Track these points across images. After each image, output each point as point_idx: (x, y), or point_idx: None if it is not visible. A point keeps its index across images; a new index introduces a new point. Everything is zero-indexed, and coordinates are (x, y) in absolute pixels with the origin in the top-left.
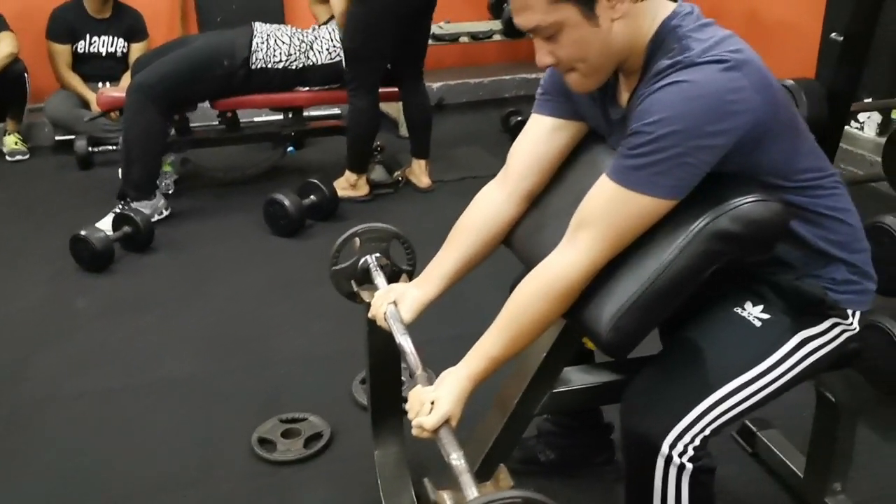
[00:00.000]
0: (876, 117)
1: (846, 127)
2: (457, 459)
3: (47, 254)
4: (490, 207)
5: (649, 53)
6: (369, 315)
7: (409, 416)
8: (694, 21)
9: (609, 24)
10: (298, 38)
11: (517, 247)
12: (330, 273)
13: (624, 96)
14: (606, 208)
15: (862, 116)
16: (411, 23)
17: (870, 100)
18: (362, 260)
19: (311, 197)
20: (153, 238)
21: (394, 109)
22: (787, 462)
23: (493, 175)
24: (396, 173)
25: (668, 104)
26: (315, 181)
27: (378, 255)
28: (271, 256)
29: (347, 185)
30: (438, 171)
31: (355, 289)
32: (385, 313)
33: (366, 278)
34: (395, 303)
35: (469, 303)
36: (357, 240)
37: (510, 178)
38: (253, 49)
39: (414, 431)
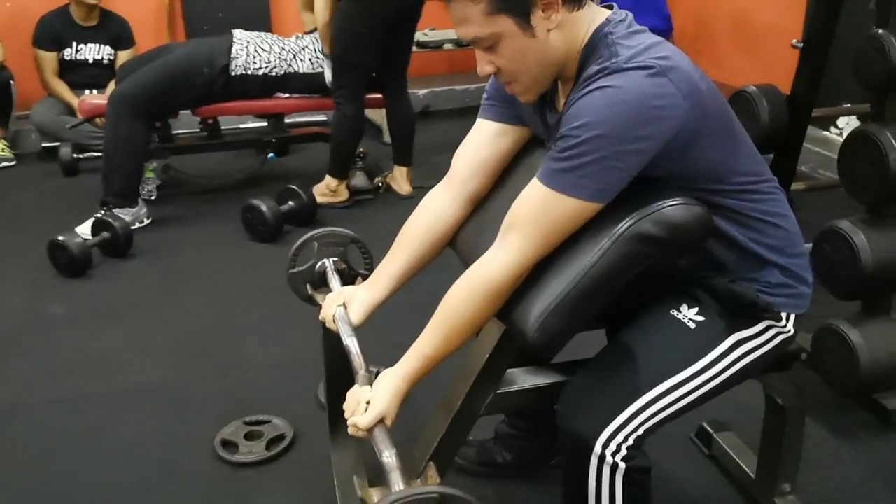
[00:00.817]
0: (855, 123)
1: (826, 133)
2: (388, 457)
3: (26, 260)
4: (434, 211)
5: (582, 60)
6: (320, 318)
7: (346, 415)
8: (625, 28)
9: (545, 35)
10: (280, 47)
11: (460, 249)
12: (287, 277)
13: (561, 102)
14: (534, 210)
15: (841, 123)
16: (396, 30)
17: (848, 105)
18: (319, 263)
19: (290, 203)
20: (132, 244)
21: (378, 116)
22: (741, 463)
23: None
24: (377, 179)
25: (593, 109)
26: (293, 187)
27: (335, 259)
28: (248, 263)
29: (328, 191)
30: (422, 177)
31: (310, 292)
32: (334, 315)
33: (323, 282)
34: (345, 305)
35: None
36: (315, 244)
37: (453, 181)
38: (233, 56)
39: (350, 430)
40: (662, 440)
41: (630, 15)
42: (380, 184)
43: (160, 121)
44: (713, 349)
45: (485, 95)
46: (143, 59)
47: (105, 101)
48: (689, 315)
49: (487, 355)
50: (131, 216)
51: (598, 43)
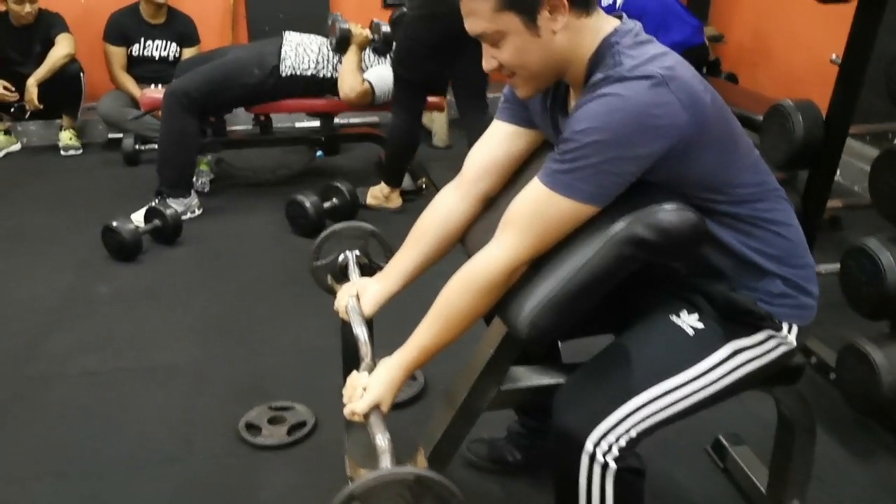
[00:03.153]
0: None
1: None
2: (381, 440)
3: (82, 241)
4: (444, 208)
5: (590, 68)
6: (334, 307)
7: (344, 400)
8: (632, 38)
9: (550, 36)
10: (327, 48)
11: (469, 247)
12: (310, 269)
13: (571, 107)
14: (530, 208)
15: None
16: (456, 50)
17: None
18: (342, 256)
19: (333, 200)
20: (181, 232)
21: (427, 119)
22: (753, 478)
23: None
24: (420, 180)
25: (595, 115)
26: (337, 184)
27: (357, 252)
28: (287, 254)
29: (381, 196)
30: None
31: (330, 283)
32: (346, 306)
33: (345, 274)
34: (358, 296)
35: None
36: (338, 238)
37: (465, 180)
38: (282, 57)
39: (346, 415)
40: (677, 450)
41: (638, 25)
42: (422, 184)
43: (214, 116)
44: (711, 355)
45: (502, 98)
46: (199, 59)
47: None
48: (688, 321)
49: (492, 351)
50: (183, 206)
51: (605, 52)
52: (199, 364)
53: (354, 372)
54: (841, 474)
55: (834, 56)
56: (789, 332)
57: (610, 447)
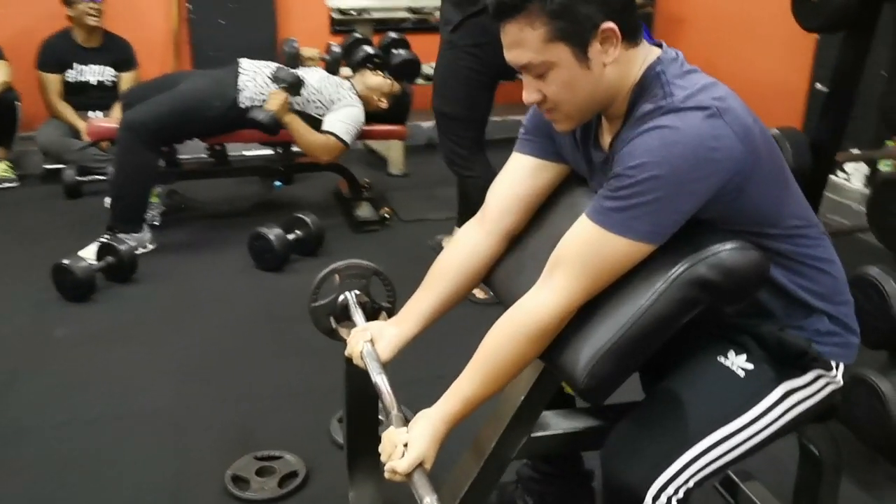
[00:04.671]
0: (863, 168)
1: (833, 177)
2: (430, 502)
3: (29, 282)
4: (467, 247)
5: (633, 98)
6: (346, 353)
7: (382, 458)
8: (678, 67)
9: (600, 69)
10: None
11: (497, 287)
12: (309, 310)
13: (606, 139)
14: (583, 248)
15: (849, 167)
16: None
17: (856, 150)
18: (342, 296)
19: (297, 232)
20: (136, 269)
21: (383, 147)
22: None
23: None
24: (382, 210)
25: (650, 149)
26: (301, 216)
27: (358, 291)
28: (254, 291)
29: None
30: (427, 209)
31: (334, 326)
32: (361, 352)
33: (345, 315)
34: (372, 341)
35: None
36: (337, 276)
37: (488, 217)
38: (239, 87)
39: (386, 475)
40: None
41: (681, 54)
42: (385, 214)
43: (168, 146)
44: (763, 399)
45: (522, 130)
46: (151, 86)
47: (111, 125)
48: (737, 363)
49: (523, 397)
50: (135, 241)
51: (651, 81)
52: (176, 411)
53: (391, 427)
54: None
55: (818, 85)
56: (836, 370)
57: (669, 500)
